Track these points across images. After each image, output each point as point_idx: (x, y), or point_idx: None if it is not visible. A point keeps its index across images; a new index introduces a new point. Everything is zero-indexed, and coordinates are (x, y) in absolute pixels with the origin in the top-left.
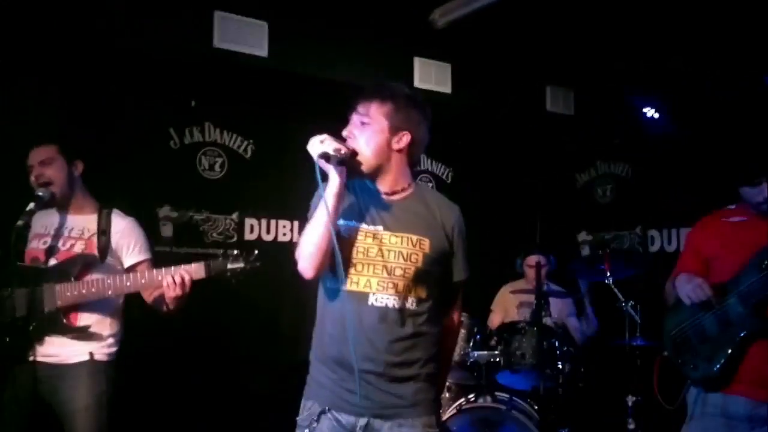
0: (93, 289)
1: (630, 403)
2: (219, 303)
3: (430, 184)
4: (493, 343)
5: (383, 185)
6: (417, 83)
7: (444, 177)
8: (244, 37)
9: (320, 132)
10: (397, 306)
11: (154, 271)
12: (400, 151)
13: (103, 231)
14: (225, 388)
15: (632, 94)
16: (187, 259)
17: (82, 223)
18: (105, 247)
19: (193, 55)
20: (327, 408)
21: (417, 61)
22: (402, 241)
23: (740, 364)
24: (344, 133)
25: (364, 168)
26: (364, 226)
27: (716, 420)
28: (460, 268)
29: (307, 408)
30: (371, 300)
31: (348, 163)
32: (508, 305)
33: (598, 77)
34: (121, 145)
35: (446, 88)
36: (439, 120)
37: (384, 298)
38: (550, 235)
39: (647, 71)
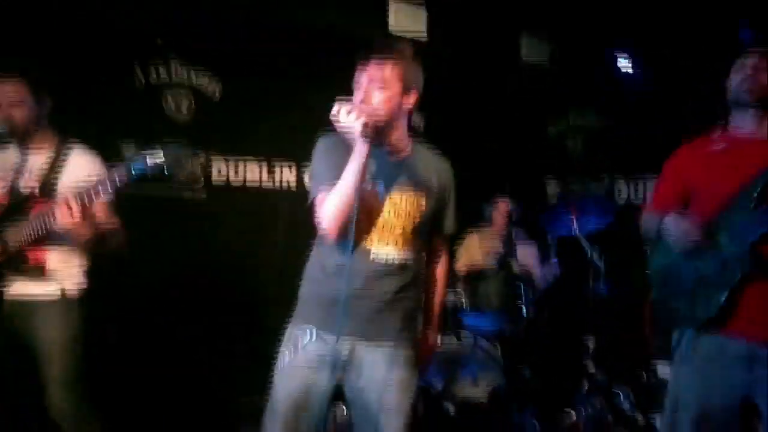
0: (38, 224)
1: (591, 347)
2: (189, 246)
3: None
4: (459, 286)
5: (386, 144)
6: (392, 28)
7: (416, 124)
8: None
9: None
10: (396, 261)
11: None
12: (407, 110)
13: (55, 166)
14: (196, 329)
15: (607, 46)
16: (152, 202)
17: (41, 160)
18: (53, 182)
19: None
20: (313, 328)
21: (392, 5)
22: (402, 199)
23: (740, 303)
24: (359, 96)
25: (377, 131)
26: (365, 184)
27: (713, 363)
28: (451, 223)
29: (293, 329)
30: (373, 254)
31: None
32: (474, 251)
33: (573, 27)
34: (84, 82)
35: (421, 34)
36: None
37: (384, 252)
38: (520, 184)
39: (621, 23)
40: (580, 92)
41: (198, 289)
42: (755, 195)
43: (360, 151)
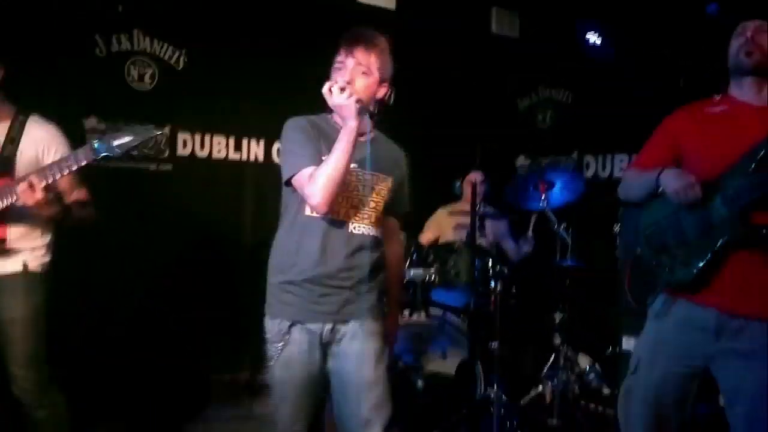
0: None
1: (558, 321)
2: (154, 220)
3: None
4: (428, 261)
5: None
6: None
7: (386, 98)
8: None
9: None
10: (370, 234)
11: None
12: (377, 99)
13: (12, 138)
14: (164, 305)
15: (577, 19)
16: (116, 175)
17: None
18: (10, 155)
19: None
20: (296, 321)
21: None
22: (373, 178)
23: (717, 272)
24: (343, 78)
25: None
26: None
27: (680, 329)
28: (406, 203)
29: (276, 325)
30: (350, 228)
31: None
32: (444, 226)
33: (544, 1)
34: (43, 51)
35: (390, 4)
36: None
37: (361, 227)
38: (490, 159)
39: None
40: (551, 66)
41: (165, 263)
42: (757, 159)
43: (352, 127)
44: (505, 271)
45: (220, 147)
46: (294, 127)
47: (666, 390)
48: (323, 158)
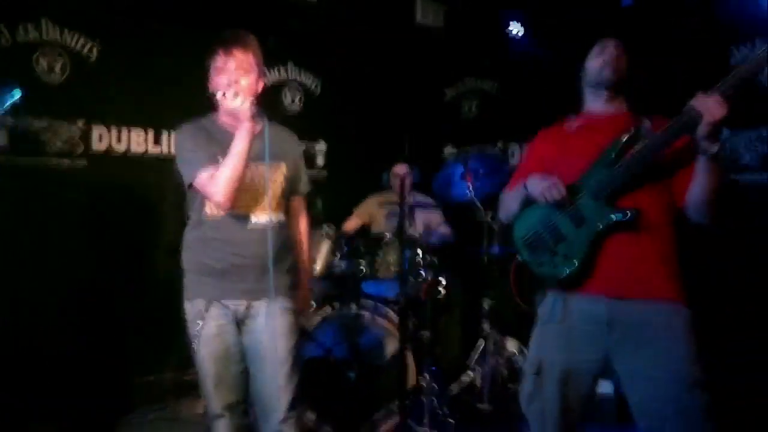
0: None
1: (486, 307)
2: (68, 218)
3: (299, 95)
4: (359, 253)
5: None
6: None
7: (313, 88)
8: None
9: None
10: (272, 221)
11: None
12: (258, 93)
13: None
14: (82, 307)
15: (500, 10)
16: (26, 172)
17: None
18: None
19: None
20: (212, 299)
21: None
22: (267, 169)
23: (598, 261)
24: (227, 78)
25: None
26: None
27: (576, 325)
28: (305, 182)
29: (195, 306)
30: (253, 219)
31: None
32: (376, 215)
33: None
34: None
35: None
36: (307, 29)
37: (262, 217)
38: (418, 149)
39: None
40: (476, 56)
41: (81, 263)
42: (615, 153)
43: (248, 128)
44: (435, 261)
45: (138, 141)
46: (184, 136)
47: (571, 386)
48: (218, 158)
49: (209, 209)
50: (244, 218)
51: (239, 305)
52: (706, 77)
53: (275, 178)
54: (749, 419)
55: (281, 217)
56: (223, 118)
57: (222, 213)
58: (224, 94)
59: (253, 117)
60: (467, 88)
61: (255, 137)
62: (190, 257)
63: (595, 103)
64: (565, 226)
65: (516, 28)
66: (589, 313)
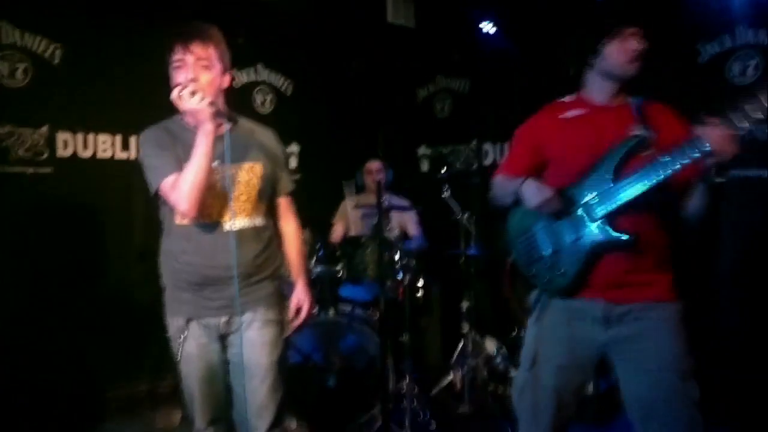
0: None
1: (464, 309)
2: (34, 226)
3: (269, 96)
4: (335, 257)
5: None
6: None
7: (283, 89)
8: None
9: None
10: (248, 226)
11: None
12: (223, 89)
13: None
14: (49, 316)
15: (471, 8)
16: None
17: None
18: None
19: None
20: (191, 318)
21: None
22: (239, 171)
23: (592, 273)
24: (186, 75)
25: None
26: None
27: (572, 322)
28: (288, 181)
29: (174, 323)
30: (227, 227)
31: None
32: (351, 218)
33: None
34: None
35: None
36: (278, 30)
37: (238, 222)
38: (392, 150)
39: None
40: (448, 55)
41: (48, 272)
42: (614, 167)
43: (208, 130)
44: (412, 262)
45: (105, 146)
46: (147, 140)
47: (565, 380)
48: (184, 163)
49: (178, 218)
50: (215, 226)
51: (220, 321)
52: (674, 74)
53: (247, 179)
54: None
55: (259, 221)
56: (187, 118)
57: (190, 221)
58: (180, 93)
59: (216, 115)
60: (439, 88)
61: (223, 138)
62: (165, 270)
63: (601, 92)
64: (562, 237)
65: (488, 27)
66: (584, 311)
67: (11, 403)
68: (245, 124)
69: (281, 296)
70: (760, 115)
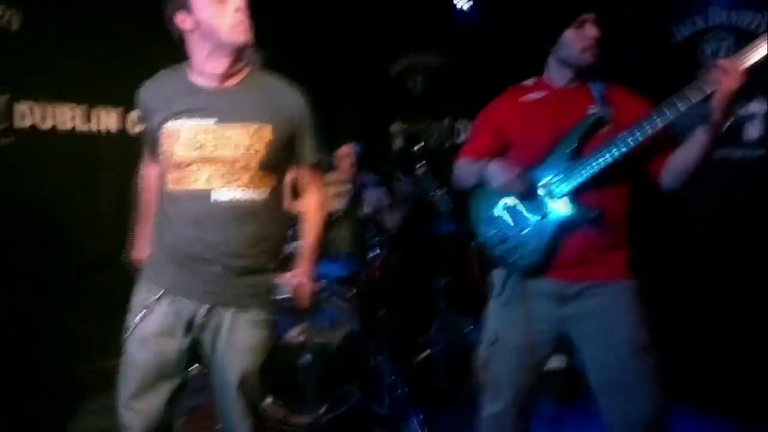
0: None
1: (441, 284)
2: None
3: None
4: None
5: (213, 72)
6: None
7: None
8: None
9: None
10: (243, 199)
11: None
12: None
13: None
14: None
15: None
16: None
17: None
18: None
19: None
20: (168, 291)
21: None
22: (240, 132)
23: (555, 251)
24: (243, 14)
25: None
26: (194, 121)
27: (530, 300)
28: (312, 152)
29: (145, 290)
30: (214, 197)
31: None
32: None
33: None
34: None
35: None
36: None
37: (229, 193)
38: (363, 126)
39: None
40: (421, 30)
41: (9, 249)
42: (573, 147)
43: None
44: (386, 239)
45: (65, 118)
46: (139, 100)
47: (523, 357)
48: (172, 120)
49: (168, 183)
50: (205, 195)
51: (199, 308)
52: (648, 54)
53: (252, 144)
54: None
55: (259, 194)
56: (194, 71)
57: (178, 187)
58: (232, 32)
59: (243, 58)
60: (412, 63)
61: (224, 90)
62: (154, 237)
63: (560, 77)
64: (525, 218)
65: (462, 1)
66: (543, 290)
67: None
68: (261, 79)
69: (272, 294)
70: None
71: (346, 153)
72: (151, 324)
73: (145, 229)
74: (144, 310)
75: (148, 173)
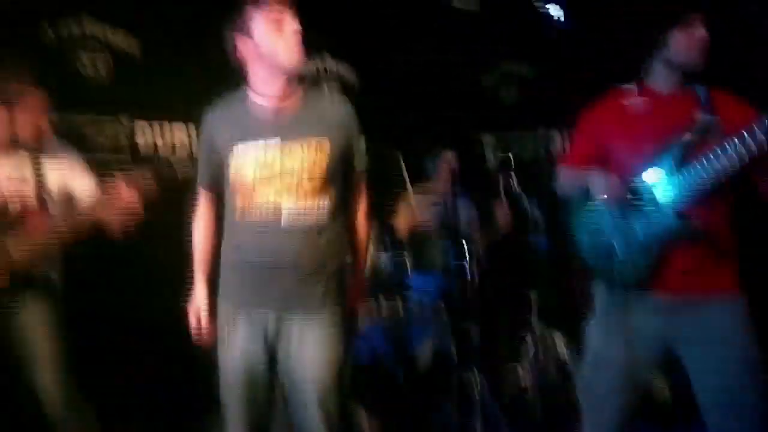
0: None
1: (533, 298)
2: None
3: (334, 86)
4: (402, 246)
5: (272, 94)
6: None
7: (352, 81)
8: None
9: None
10: (311, 212)
11: None
12: None
13: None
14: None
15: None
16: None
17: None
18: None
19: None
20: (241, 305)
21: None
22: (303, 148)
23: (664, 266)
24: (292, 26)
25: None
26: (261, 142)
27: (634, 317)
28: (361, 159)
29: (224, 308)
30: (283, 209)
31: None
32: (418, 207)
33: None
34: None
35: None
36: (334, 17)
37: (297, 207)
38: (456, 137)
39: None
40: (513, 40)
41: None
42: (680, 156)
43: None
44: (479, 251)
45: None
46: (202, 129)
47: (629, 378)
48: (240, 143)
49: (237, 214)
50: (275, 209)
51: (269, 316)
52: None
53: (315, 158)
54: None
55: (325, 205)
56: (254, 94)
57: (249, 204)
58: (290, 55)
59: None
60: (504, 73)
61: (284, 110)
62: (225, 249)
63: (665, 80)
64: (629, 230)
65: (555, 10)
66: (647, 305)
67: None
68: (314, 96)
69: (342, 297)
70: None
71: (448, 160)
72: (234, 336)
73: (206, 271)
74: (225, 326)
75: (205, 204)
